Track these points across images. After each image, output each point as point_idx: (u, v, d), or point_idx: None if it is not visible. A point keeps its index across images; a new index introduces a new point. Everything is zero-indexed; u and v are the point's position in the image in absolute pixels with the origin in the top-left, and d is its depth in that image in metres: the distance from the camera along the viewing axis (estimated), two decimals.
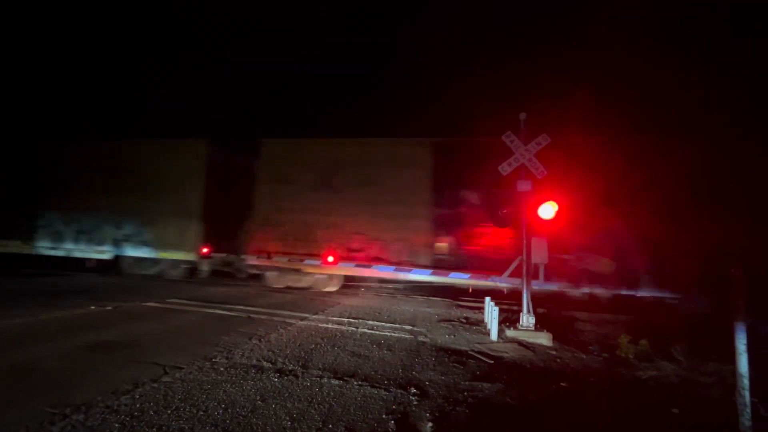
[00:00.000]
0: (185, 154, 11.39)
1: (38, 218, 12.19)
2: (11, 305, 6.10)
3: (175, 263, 11.31)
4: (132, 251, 11.42)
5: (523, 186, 6.23)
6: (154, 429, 2.53)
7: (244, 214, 10.67)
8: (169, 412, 2.77)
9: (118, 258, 11.61)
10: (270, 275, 10.45)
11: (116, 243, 11.51)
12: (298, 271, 10.15)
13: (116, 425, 2.55)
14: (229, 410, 2.85)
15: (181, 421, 2.65)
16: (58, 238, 11.98)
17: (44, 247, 12.05)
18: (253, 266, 10.46)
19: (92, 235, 11.74)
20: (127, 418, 2.64)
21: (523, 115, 6.41)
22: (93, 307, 6.35)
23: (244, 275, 10.86)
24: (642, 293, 8.14)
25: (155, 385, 3.23)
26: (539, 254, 6.37)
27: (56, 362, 3.68)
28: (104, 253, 11.62)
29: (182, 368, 3.66)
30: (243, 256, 10.66)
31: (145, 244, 11.32)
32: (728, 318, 2.81)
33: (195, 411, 2.80)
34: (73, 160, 12.40)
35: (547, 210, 6.01)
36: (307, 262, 9.99)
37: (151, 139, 12.27)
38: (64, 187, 12.25)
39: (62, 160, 12.51)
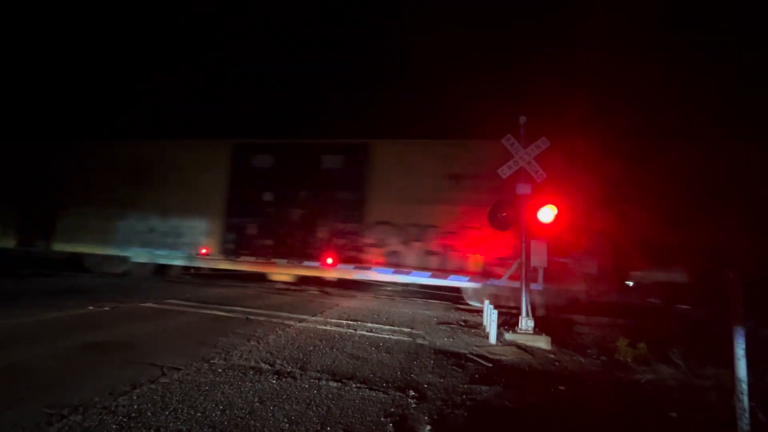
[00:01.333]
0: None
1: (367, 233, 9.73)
2: (9, 305, 6.07)
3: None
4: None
5: (523, 189, 6.24)
6: (152, 430, 2.53)
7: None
8: (166, 413, 2.76)
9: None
10: None
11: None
12: None
13: (114, 426, 2.54)
14: (227, 412, 2.84)
15: (179, 423, 2.64)
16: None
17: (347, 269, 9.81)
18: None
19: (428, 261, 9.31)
20: (125, 420, 2.63)
21: (522, 119, 6.43)
22: (91, 308, 6.32)
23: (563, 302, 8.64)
24: (640, 297, 8.15)
25: (153, 386, 3.22)
26: (538, 257, 6.39)
27: (53, 362, 3.67)
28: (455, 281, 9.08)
29: (180, 369, 3.65)
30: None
31: None
32: (727, 322, 2.81)
33: (193, 412, 2.80)
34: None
35: (547, 213, 6.04)
36: None
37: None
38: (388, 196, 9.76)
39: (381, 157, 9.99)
